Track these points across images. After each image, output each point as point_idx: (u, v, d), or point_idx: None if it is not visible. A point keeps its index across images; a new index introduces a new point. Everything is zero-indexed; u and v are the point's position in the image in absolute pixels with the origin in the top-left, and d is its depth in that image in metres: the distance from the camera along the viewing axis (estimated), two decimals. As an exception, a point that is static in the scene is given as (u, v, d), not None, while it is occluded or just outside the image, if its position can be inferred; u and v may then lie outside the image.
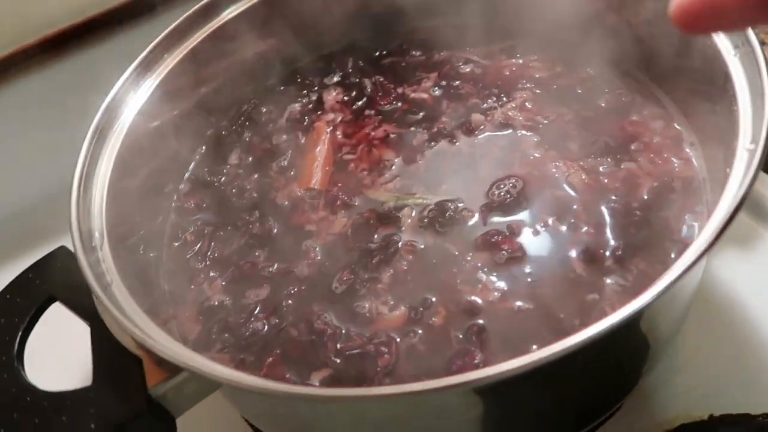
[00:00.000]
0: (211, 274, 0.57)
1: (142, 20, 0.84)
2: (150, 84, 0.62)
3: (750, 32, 0.46)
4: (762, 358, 0.57)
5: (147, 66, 0.62)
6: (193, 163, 0.68)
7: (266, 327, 0.51)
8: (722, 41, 0.49)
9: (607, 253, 0.50)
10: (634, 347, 0.47)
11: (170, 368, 0.40)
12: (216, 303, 0.54)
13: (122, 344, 0.42)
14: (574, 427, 0.50)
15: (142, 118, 0.61)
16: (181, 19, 0.66)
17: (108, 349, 0.42)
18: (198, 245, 0.59)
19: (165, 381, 0.40)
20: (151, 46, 0.63)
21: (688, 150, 0.56)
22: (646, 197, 0.53)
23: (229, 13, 0.68)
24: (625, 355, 0.47)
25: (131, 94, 0.60)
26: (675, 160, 0.56)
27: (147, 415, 0.39)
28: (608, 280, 0.49)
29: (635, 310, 0.35)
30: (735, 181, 0.38)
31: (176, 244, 0.60)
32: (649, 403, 0.56)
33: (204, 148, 0.69)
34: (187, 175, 0.67)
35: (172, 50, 0.65)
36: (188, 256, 0.59)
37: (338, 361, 0.48)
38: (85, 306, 0.45)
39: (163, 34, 0.64)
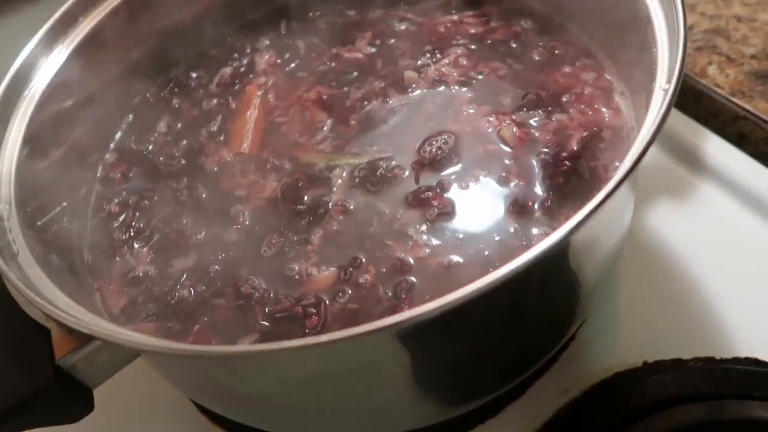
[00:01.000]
0: (137, 245, 0.55)
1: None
2: (66, 48, 0.59)
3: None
4: (693, 304, 0.58)
5: (60, 29, 0.59)
6: (119, 132, 0.65)
7: (192, 294, 0.50)
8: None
9: (536, 205, 0.50)
10: (564, 287, 0.46)
11: (79, 338, 0.39)
12: (141, 274, 0.52)
13: (30, 316, 0.40)
14: (510, 377, 0.50)
15: (58, 85, 0.57)
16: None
17: (15, 322, 0.40)
18: (123, 216, 0.57)
19: (74, 351, 0.38)
20: (64, 8, 0.59)
21: (618, 99, 0.56)
22: (575, 148, 0.53)
23: (151, -27, 0.65)
24: (554, 296, 0.46)
25: (43, 58, 0.57)
26: (605, 110, 0.55)
27: (56, 387, 0.37)
28: (537, 231, 0.48)
29: (558, 239, 0.34)
30: (650, 118, 0.38)
31: (101, 215, 0.58)
32: (585, 353, 0.56)
33: (131, 116, 0.66)
34: (113, 144, 0.64)
35: (88, 12, 0.62)
36: (113, 227, 0.57)
37: (266, 324, 0.47)
38: (-9, 276, 0.43)
39: (76, -5, 0.61)
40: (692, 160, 0.67)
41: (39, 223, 0.50)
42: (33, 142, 0.53)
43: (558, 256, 0.38)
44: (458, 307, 0.34)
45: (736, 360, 0.54)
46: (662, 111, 0.35)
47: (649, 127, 0.36)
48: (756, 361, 0.53)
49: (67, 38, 0.59)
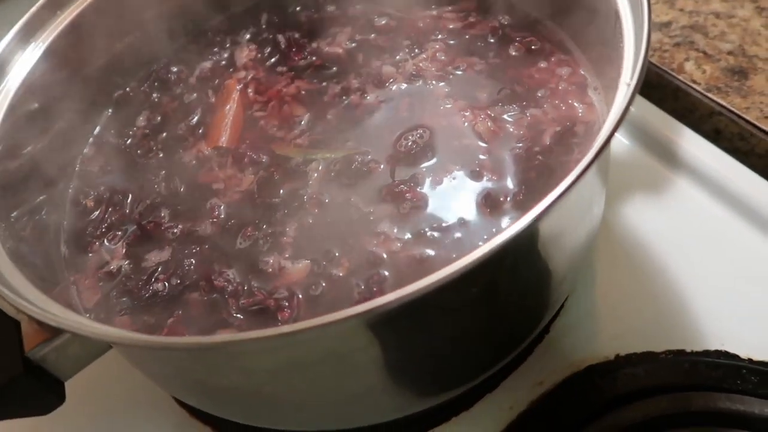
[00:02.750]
0: (112, 238, 0.55)
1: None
2: (42, 42, 0.59)
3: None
4: (667, 298, 0.59)
5: (36, 23, 0.59)
6: (98, 127, 0.65)
7: (167, 287, 0.50)
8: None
9: (508, 199, 0.50)
10: (533, 278, 0.46)
11: (49, 330, 0.39)
12: (115, 268, 0.53)
13: (0, 308, 0.40)
14: (483, 368, 0.51)
15: (35, 80, 0.58)
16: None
17: (-15, 314, 0.40)
18: (99, 210, 0.57)
19: (44, 343, 0.39)
20: (40, 2, 0.59)
21: (591, 95, 0.56)
22: (548, 142, 0.53)
23: (129, -33, 0.65)
24: (524, 287, 0.46)
25: (19, 53, 0.57)
26: (579, 105, 0.56)
27: (24, 377, 0.38)
28: (508, 224, 0.49)
29: (516, 231, 0.34)
30: (613, 113, 0.38)
31: (78, 209, 0.58)
32: (559, 346, 0.57)
33: (110, 110, 0.66)
34: (91, 138, 0.64)
35: (65, 6, 0.61)
36: (89, 221, 0.57)
37: (240, 317, 0.48)
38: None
39: (54, -11, 0.61)
40: (668, 155, 0.67)
41: (13, 217, 0.50)
42: (8, 137, 0.54)
43: (523, 245, 0.39)
44: (423, 296, 0.34)
45: (707, 353, 0.55)
46: (623, 106, 0.36)
47: (610, 122, 0.37)
48: (725, 354, 0.54)
49: (44, 32, 0.59)
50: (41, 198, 0.57)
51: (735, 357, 0.54)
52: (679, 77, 0.71)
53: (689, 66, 0.72)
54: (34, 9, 0.59)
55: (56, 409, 0.41)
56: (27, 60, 0.57)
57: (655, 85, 0.73)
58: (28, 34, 0.58)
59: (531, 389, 0.56)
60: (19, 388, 0.38)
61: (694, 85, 0.70)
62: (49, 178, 0.59)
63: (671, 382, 0.53)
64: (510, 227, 0.34)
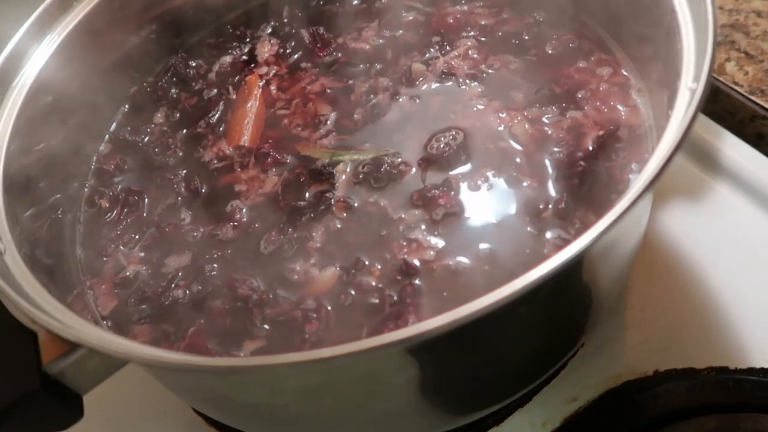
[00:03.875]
0: (129, 242, 0.53)
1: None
2: (58, 36, 0.56)
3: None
4: (707, 311, 0.56)
5: (52, 15, 0.56)
6: (114, 123, 0.63)
7: (187, 295, 0.48)
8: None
9: (549, 207, 0.47)
10: (578, 296, 0.44)
11: (68, 343, 0.36)
12: (132, 274, 0.50)
13: (16, 318, 0.38)
14: (519, 386, 0.48)
15: (50, 75, 0.55)
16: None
17: (1, 324, 0.38)
18: (115, 211, 0.55)
19: (62, 357, 0.36)
20: (56, -7, 0.57)
21: (635, 96, 0.53)
22: (591, 147, 0.50)
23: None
24: (568, 305, 0.44)
25: (34, 46, 0.55)
26: (622, 108, 0.53)
27: (42, 393, 0.35)
28: (550, 235, 0.46)
29: (572, 255, 0.32)
30: (676, 121, 0.36)
31: (93, 209, 0.56)
32: (594, 361, 0.54)
33: (127, 106, 0.64)
34: (107, 135, 0.62)
35: (82, -2, 0.59)
36: (105, 222, 0.54)
37: (265, 328, 0.45)
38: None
39: (71, -21, 0.58)
40: (708, 160, 0.64)
41: (28, 219, 0.48)
42: (23, 134, 0.51)
43: (574, 266, 0.36)
44: (470, 321, 0.31)
45: (751, 370, 0.52)
46: (690, 112, 0.33)
47: (675, 129, 0.34)
48: (773, 372, 0.51)
49: (59, 25, 0.57)
50: (56, 197, 0.55)
51: (783, 376, 0.51)
52: (720, 78, 0.68)
53: (730, 67, 0.68)
54: (48, 1, 0.56)
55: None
56: (41, 54, 0.55)
57: (694, 87, 0.70)
58: (42, 28, 0.55)
59: (565, 405, 0.53)
60: (36, 404, 0.35)
61: (737, 87, 0.67)
62: (64, 176, 0.56)
63: (715, 401, 0.51)
64: (568, 248, 0.31)
